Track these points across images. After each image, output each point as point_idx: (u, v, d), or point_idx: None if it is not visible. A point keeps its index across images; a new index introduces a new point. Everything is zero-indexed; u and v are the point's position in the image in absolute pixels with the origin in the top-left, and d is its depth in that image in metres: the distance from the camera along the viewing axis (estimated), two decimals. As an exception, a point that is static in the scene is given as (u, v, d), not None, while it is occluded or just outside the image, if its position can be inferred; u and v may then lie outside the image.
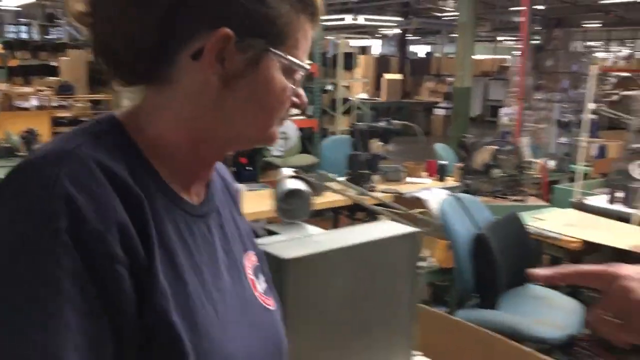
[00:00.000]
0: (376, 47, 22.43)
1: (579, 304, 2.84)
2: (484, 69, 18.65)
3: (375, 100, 12.88)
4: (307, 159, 6.30)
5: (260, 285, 0.80)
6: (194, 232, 0.70)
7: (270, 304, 0.80)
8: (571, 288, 3.53)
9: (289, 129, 6.83)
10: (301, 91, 0.73)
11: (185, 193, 0.71)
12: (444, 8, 15.39)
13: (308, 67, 0.70)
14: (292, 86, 0.70)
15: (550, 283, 0.76)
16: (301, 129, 7.04)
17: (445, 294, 3.54)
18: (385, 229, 1.61)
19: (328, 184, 1.76)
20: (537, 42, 13.80)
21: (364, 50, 18.61)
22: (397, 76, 14.44)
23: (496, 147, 3.68)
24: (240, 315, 0.73)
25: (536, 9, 15.33)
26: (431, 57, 18.94)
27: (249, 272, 0.79)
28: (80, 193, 0.57)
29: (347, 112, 7.79)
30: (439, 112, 13.25)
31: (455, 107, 9.47)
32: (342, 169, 4.29)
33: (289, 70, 0.69)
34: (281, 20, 0.66)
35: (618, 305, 0.68)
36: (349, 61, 7.53)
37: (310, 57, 7.31)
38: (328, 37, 8.19)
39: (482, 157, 3.73)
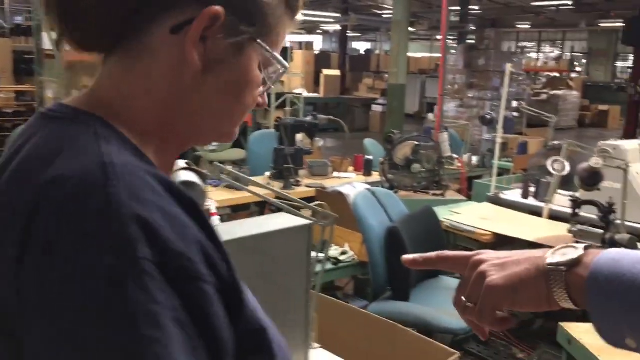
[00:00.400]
0: (318, 43, 22.51)
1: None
2: (421, 66, 19.03)
3: (313, 96, 12.91)
4: (239, 153, 6.25)
5: None
6: None
7: None
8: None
9: (221, 123, 6.76)
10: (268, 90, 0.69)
11: None
12: (383, 6, 15.60)
13: (287, 65, 0.67)
14: (270, 82, 0.67)
15: (416, 267, 0.75)
16: (234, 124, 6.98)
17: (367, 287, 3.59)
18: (279, 222, 1.62)
19: (224, 177, 1.74)
20: (472, 41, 14.18)
21: (306, 45, 18.64)
22: (336, 72, 14.52)
23: (416, 143, 3.75)
24: None
25: (472, 9, 15.78)
26: (371, 54, 19.16)
27: None
28: (150, 212, 0.50)
29: (282, 106, 7.77)
30: (377, 108, 13.40)
31: (389, 104, 9.60)
32: (269, 163, 4.28)
33: (265, 65, 0.65)
34: (271, 11, 0.63)
35: (473, 289, 0.67)
36: (284, 56, 7.50)
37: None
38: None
39: (403, 152, 3.80)
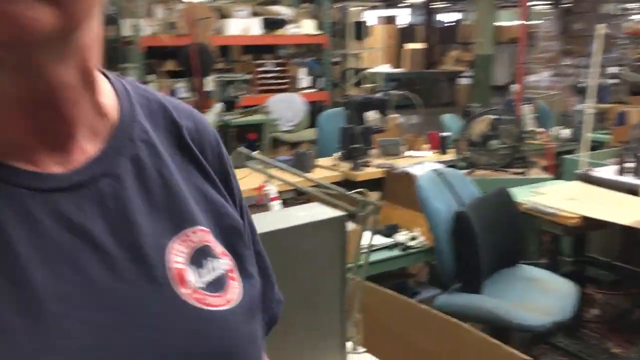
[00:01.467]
0: (404, 17, 21.90)
1: (575, 287, 2.60)
2: (513, 35, 18.01)
3: (395, 71, 12.53)
4: (313, 133, 6.10)
5: (197, 278, 0.54)
6: (35, 219, 0.46)
7: (214, 303, 0.54)
8: (570, 268, 3.29)
9: (296, 102, 6.63)
10: None
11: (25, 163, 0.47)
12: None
13: None
14: None
15: None
16: (311, 103, 6.85)
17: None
18: (309, 214, 1.42)
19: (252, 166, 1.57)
20: (568, 5, 13.19)
21: (388, 19, 18.15)
22: (419, 45, 14.01)
23: (494, 117, 3.42)
24: (112, 317, 0.48)
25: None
26: (459, 25, 18.36)
27: (177, 259, 0.53)
28: None
29: (358, 83, 7.53)
30: (463, 81, 12.80)
31: (475, 76, 9.11)
32: (338, 143, 4.09)
33: None
34: None
35: None
36: (359, 31, 7.24)
37: (320, 26, 7.06)
38: (339, 5, 7.89)
39: (479, 127, 3.48)
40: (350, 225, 2.15)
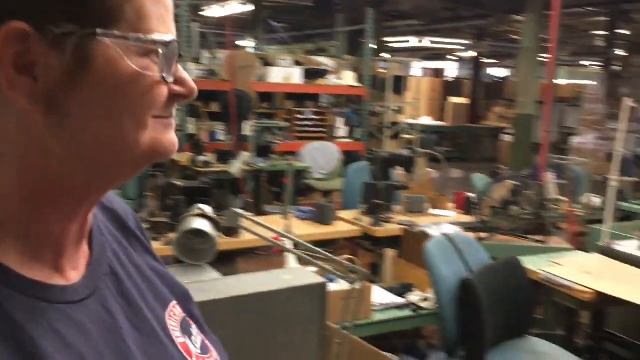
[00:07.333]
0: (452, 69, 22.01)
1: (582, 364, 2.54)
2: (561, 94, 17.84)
3: (437, 124, 12.56)
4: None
5: (194, 345, 0.61)
6: (83, 326, 0.50)
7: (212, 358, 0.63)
8: (580, 344, 3.19)
9: (331, 151, 6.73)
10: (183, 74, 0.52)
11: (53, 272, 0.51)
12: (519, 31, 14.87)
13: (168, 38, 0.50)
14: (158, 71, 0.49)
15: None
16: (347, 152, 6.94)
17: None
18: (289, 278, 1.47)
19: (245, 223, 1.63)
20: (618, 68, 13.05)
21: (436, 73, 18.28)
22: (463, 100, 14.04)
23: (515, 183, 3.41)
24: None
25: (620, 33, 14.55)
26: (506, 81, 18.33)
27: (177, 334, 0.60)
28: None
29: (396, 136, 7.60)
30: (507, 137, 12.71)
31: (516, 134, 9.04)
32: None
33: (145, 52, 0.48)
34: None
35: None
36: (398, 84, 7.35)
37: (360, 79, 7.17)
38: (389, 60, 8.04)
39: (502, 191, 3.47)
40: (335, 287, 2.17)
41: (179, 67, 0.52)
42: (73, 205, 0.51)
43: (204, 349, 0.63)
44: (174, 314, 0.62)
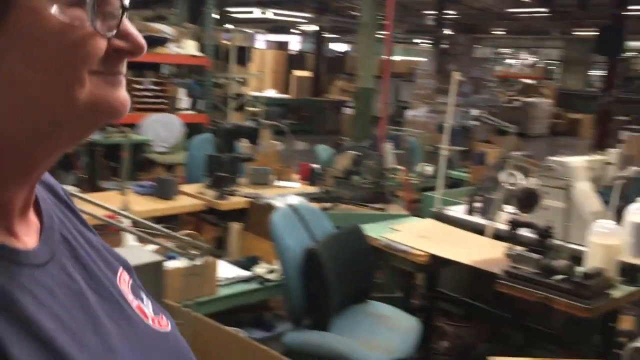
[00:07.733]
0: (296, 43, 22.26)
1: (417, 323, 2.70)
2: (396, 70, 18.87)
3: (281, 97, 12.66)
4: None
5: (148, 308, 0.61)
6: (51, 289, 0.49)
7: (165, 324, 0.61)
8: (416, 304, 3.42)
9: (173, 123, 6.48)
10: (129, 28, 0.48)
11: (9, 236, 0.49)
12: (359, 7, 15.38)
13: None
14: (94, 22, 0.45)
15: None
16: (190, 124, 6.72)
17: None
18: (127, 256, 1.36)
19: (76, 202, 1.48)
20: (446, 46, 14.05)
21: (280, 45, 18.39)
22: (307, 73, 14.29)
23: (356, 153, 3.52)
24: None
25: (448, 14, 15.64)
26: (347, 56, 18.95)
27: (130, 298, 0.59)
28: None
29: (240, 108, 7.51)
30: (349, 110, 13.19)
31: (357, 107, 9.39)
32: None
33: (75, 2, 0.44)
34: None
35: None
36: (242, 56, 7.25)
37: (202, 49, 6.94)
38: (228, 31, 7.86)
39: (344, 162, 3.56)
40: (177, 264, 2.09)
41: (126, 20, 0.48)
42: (20, 168, 0.48)
43: (156, 312, 0.62)
44: (124, 279, 0.62)
